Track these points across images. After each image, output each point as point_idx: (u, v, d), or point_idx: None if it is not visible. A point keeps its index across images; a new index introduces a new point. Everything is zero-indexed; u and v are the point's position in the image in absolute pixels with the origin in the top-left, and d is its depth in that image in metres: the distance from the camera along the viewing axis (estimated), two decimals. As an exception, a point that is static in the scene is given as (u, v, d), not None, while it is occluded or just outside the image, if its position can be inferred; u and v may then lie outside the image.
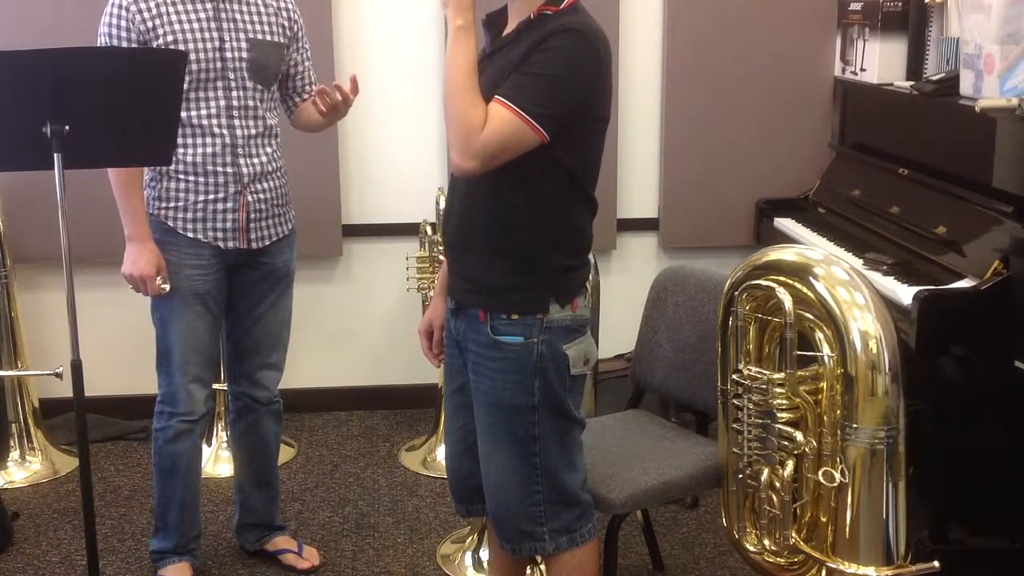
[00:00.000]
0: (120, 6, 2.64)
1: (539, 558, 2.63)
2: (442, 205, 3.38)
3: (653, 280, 2.94)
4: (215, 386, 3.74)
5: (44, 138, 2.36)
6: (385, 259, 4.11)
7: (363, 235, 4.09)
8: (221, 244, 2.76)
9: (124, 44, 2.64)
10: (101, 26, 2.66)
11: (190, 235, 2.74)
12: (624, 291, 4.03)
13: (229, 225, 2.76)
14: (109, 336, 3.99)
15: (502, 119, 2.02)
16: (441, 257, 3.53)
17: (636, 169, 4.13)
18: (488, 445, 2.25)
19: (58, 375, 2.96)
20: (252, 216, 2.78)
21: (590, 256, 2.31)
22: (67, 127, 2.37)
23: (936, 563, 2.12)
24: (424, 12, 3.94)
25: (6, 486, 3.60)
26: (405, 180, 4.07)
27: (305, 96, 2.94)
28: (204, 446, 3.77)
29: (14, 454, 3.70)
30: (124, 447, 3.93)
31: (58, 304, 2.93)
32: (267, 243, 2.84)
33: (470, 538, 3.11)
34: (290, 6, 2.85)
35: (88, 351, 2.63)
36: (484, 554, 3.00)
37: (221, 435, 3.79)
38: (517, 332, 2.15)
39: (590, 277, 2.37)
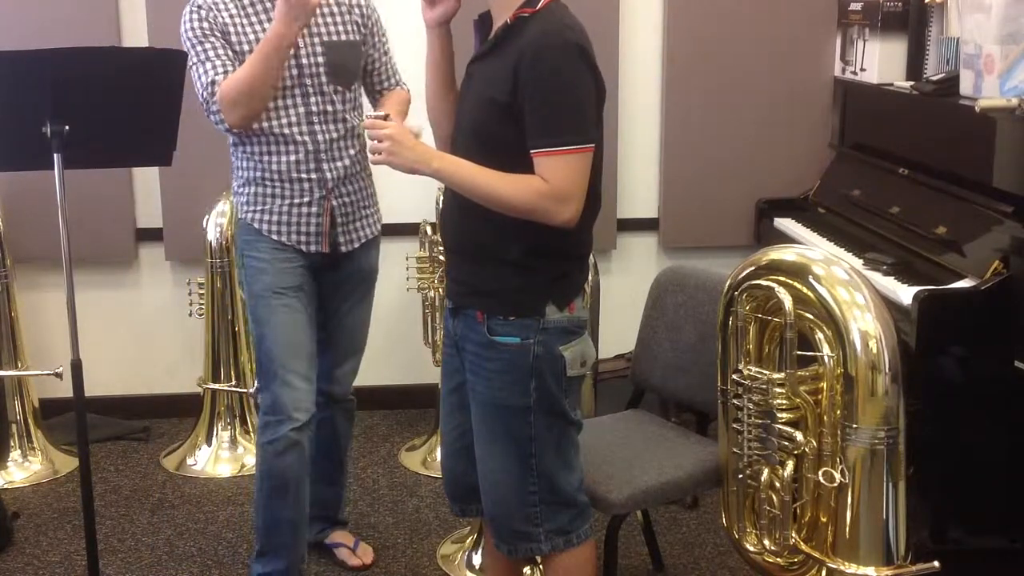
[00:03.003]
0: (199, 7, 2.61)
1: (539, 558, 2.63)
2: (441, 205, 3.37)
3: (653, 280, 2.93)
4: (220, 386, 3.77)
5: (44, 138, 2.37)
6: (385, 259, 4.08)
7: (363, 235, 4.08)
8: (304, 248, 2.74)
9: (214, 39, 2.59)
10: (184, 33, 2.62)
11: (274, 237, 2.72)
12: (624, 291, 4.03)
13: (313, 229, 2.74)
14: (109, 336, 3.99)
15: (558, 163, 2.05)
16: (441, 258, 3.54)
17: (636, 169, 4.13)
18: (484, 445, 2.24)
19: (58, 375, 2.96)
20: (338, 220, 2.77)
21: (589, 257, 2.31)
22: (67, 127, 2.37)
23: (936, 563, 2.12)
24: (424, 12, 3.93)
25: (6, 486, 3.60)
26: (405, 180, 4.01)
27: (387, 88, 2.92)
28: (204, 446, 3.78)
29: (14, 454, 3.70)
30: (124, 447, 3.93)
31: (58, 304, 2.93)
32: (355, 246, 2.83)
33: (470, 538, 3.11)
34: (363, 2, 2.81)
35: (88, 351, 2.64)
36: (484, 554, 3.00)
37: (222, 435, 3.79)
38: (514, 333, 2.15)
39: (589, 278, 2.37)
